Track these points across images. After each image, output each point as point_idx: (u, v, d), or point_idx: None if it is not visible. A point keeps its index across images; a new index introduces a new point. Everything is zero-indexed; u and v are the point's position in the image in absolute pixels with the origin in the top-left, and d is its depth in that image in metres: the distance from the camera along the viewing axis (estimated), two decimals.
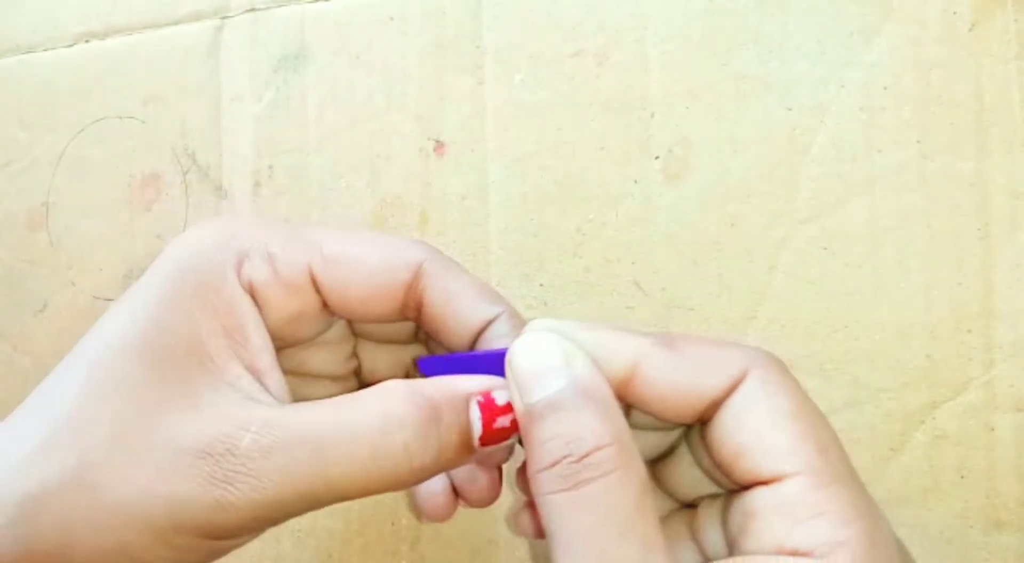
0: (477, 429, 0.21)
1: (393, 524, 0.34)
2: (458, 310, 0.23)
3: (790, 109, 0.29)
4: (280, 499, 0.20)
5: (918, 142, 0.28)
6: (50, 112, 0.40)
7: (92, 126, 0.40)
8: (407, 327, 0.26)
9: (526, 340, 0.20)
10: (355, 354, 0.27)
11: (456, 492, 0.26)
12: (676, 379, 0.20)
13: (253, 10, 0.36)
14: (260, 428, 0.20)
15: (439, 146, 0.33)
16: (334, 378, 0.26)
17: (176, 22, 0.38)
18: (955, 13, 0.28)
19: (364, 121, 0.35)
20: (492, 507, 0.30)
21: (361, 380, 0.27)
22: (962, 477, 0.28)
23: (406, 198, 0.34)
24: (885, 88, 0.28)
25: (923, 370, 0.28)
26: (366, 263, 0.23)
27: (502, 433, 0.21)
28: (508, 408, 0.21)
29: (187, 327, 0.21)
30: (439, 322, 0.24)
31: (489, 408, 0.21)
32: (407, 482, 0.21)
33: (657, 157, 0.31)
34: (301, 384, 0.26)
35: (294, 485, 0.20)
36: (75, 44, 0.40)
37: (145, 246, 0.38)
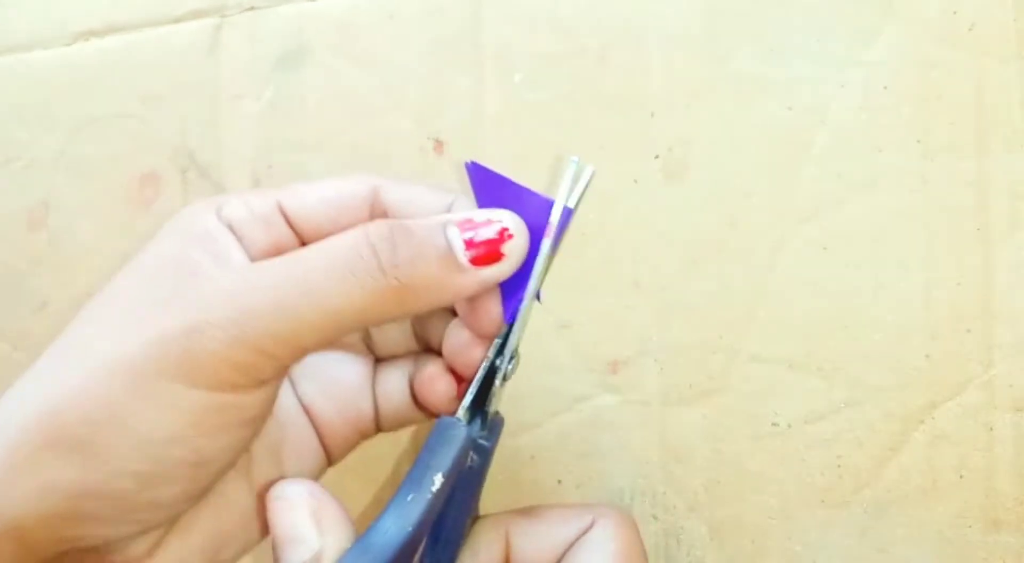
0: (459, 244, 0.22)
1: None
2: (419, 207, 0.24)
3: (790, 109, 0.29)
4: (256, 318, 0.20)
5: (918, 141, 0.28)
6: (49, 111, 0.40)
7: (91, 125, 0.39)
8: None
9: (285, 496, 0.22)
10: None
11: (455, 376, 0.26)
12: (539, 535, 0.25)
13: (252, 8, 0.36)
14: (237, 267, 0.22)
15: (438, 145, 0.33)
16: None
17: (176, 21, 0.38)
18: (955, 13, 0.28)
19: (363, 120, 0.35)
20: (484, 512, 0.30)
21: None
22: (961, 477, 0.28)
23: None
24: (885, 88, 0.28)
25: (922, 370, 0.28)
26: (328, 191, 0.25)
27: (490, 250, 0.22)
28: (490, 222, 0.22)
29: (176, 251, 0.23)
30: None
31: (468, 224, 0.22)
32: (388, 290, 0.21)
33: (657, 157, 0.31)
34: None
35: (269, 299, 0.21)
36: (74, 43, 0.40)
37: (145, 245, 0.38)
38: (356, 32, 0.35)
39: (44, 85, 0.40)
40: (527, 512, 0.26)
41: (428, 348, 0.27)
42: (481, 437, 0.24)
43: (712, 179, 0.30)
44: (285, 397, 0.26)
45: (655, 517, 0.31)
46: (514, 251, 0.22)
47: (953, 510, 0.28)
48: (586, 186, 0.24)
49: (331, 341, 0.22)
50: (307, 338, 0.21)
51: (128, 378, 0.20)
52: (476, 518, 0.27)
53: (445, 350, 0.26)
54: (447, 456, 0.22)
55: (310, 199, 0.24)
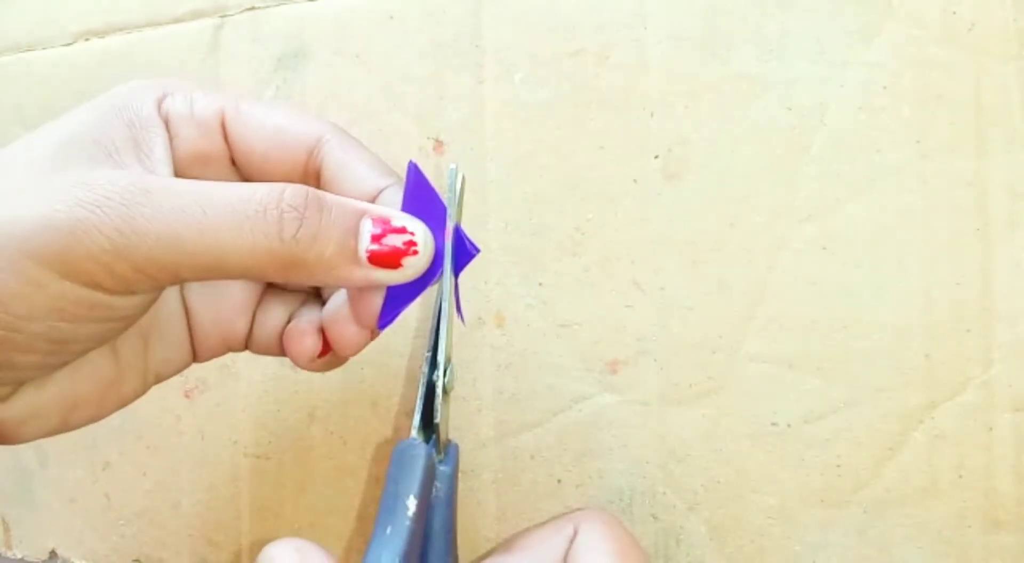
0: (365, 239, 0.22)
1: None
2: (354, 178, 0.24)
3: (790, 109, 0.29)
4: (143, 238, 0.20)
5: (917, 142, 0.28)
6: (50, 110, 0.40)
7: None
8: None
9: (270, 558, 0.21)
10: None
11: (325, 339, 0.26)
12: None
13: (253, 8, 0.36)
14: (145, 176, 0.21)
15: (438, 145, 0.33)
16: None
17: (176, 20, 0.38)
18: (955, 13, 0.28)
19: (364, 120, 0.35)
20: (483, 511, 0.30)
21: None
22: (960, 477, 0.28)
23: None
24: (884, 88, 0.28)
25: (922, 370, 0.28)
26: (273, 122, 0.24)
27: (391, 255, 0.22)
28: (403, 231, 0.22)
29: (100, 129, 0.22)
30: (335, 189, 0.24)
31: (383, 223, 0.22)
32: (279, 257, 0.21)
33: (657, 157, 0.31)
34: None
35: (163, 225, 0.20)
36: (75, 42, 0.40)
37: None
38: (356, 32, 0.35)
39: (45, 84, 0.40)
40: (507, 546, 0.26)
41: (318, 292, 0.27)
42: (439, 461, 0.24)
43: (712, 179, 0.30)
44: (170, 291, 0.26)
45: (655, 517, 0.31)
46: (413, 265, 0.23)
47: (953, 510, 0.28)
48: (460, 194, 0.25)
49: (209, 280, 0.22)
50: (187, 272, 0.21)
51: (2, 249, 0.20)
52: None
53: (325, 311, 0.26)
54: (414, 478, 0.22)
55: (254, 125, 0.24)
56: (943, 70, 0.28)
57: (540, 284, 0.32)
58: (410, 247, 0.22)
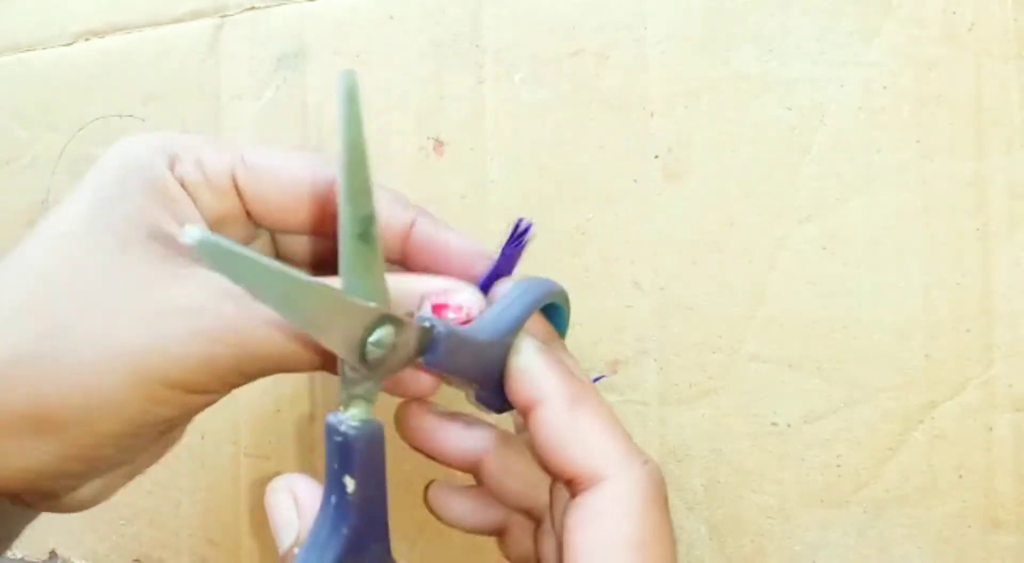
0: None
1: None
2: (381, 217, 0.25)
3: (789, 109, 0.29)
4: (253, 359, 0.22)
5: (917, 142, 0.28)
6: (50, 110, 0.40)
7: (92, 125, 0.40)
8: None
9: (275, 487, 0.23)
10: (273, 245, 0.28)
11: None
12: (557, 438, 0.22)
13: (253, 8, 0.36)
14: (241, 298, 0.22)
15: (438, 145, 0.33)
16: None
17: (176, 21, 0.38)
18: (955, 13, 0.28)
19: (364, 120, 0.35)
20: None
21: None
22: (960, 477, 0.28)
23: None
24: (884, 88, 0.28)
25: (922, 370, 0.28)
26: (283, 174, 0.25)
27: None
28: (459, 309, 0.23)
29: (144, 215, 0.23)
30: None
31: (440, 307, 0.23)
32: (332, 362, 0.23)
33: (657, 156, 0.31)
34: None
35: (267, 345, 0.22)
36: (75, 42, 0.40)
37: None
38: (356, 32, 0.35)
39: (45, 85, 0.40)
40: (573, 396, 0.23)
41: None
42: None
43: (712, 179, 0.30)
44: None
45: None
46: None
47: (952, 510, 0.28)
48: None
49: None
50: (279, 371, 0.23)
51: (130, 378, 0.21)
52: None
53: None
54: (351, 462, 0.22)
55: (266, 180, 0.25)
56: (943, 70, 0.28)
57: None
58: (461, 318, 0.23)
